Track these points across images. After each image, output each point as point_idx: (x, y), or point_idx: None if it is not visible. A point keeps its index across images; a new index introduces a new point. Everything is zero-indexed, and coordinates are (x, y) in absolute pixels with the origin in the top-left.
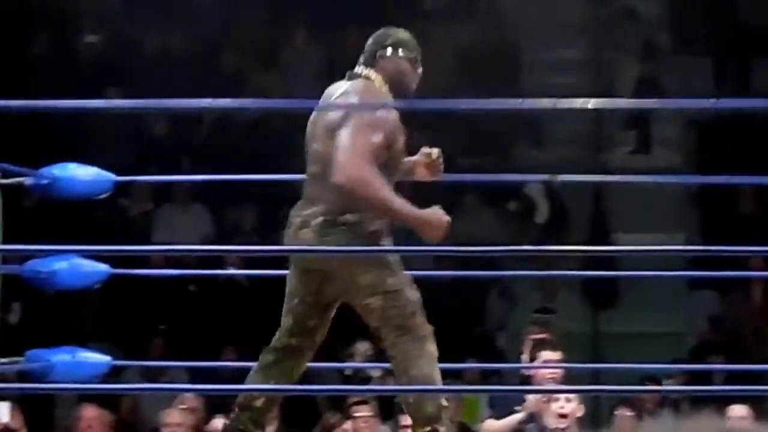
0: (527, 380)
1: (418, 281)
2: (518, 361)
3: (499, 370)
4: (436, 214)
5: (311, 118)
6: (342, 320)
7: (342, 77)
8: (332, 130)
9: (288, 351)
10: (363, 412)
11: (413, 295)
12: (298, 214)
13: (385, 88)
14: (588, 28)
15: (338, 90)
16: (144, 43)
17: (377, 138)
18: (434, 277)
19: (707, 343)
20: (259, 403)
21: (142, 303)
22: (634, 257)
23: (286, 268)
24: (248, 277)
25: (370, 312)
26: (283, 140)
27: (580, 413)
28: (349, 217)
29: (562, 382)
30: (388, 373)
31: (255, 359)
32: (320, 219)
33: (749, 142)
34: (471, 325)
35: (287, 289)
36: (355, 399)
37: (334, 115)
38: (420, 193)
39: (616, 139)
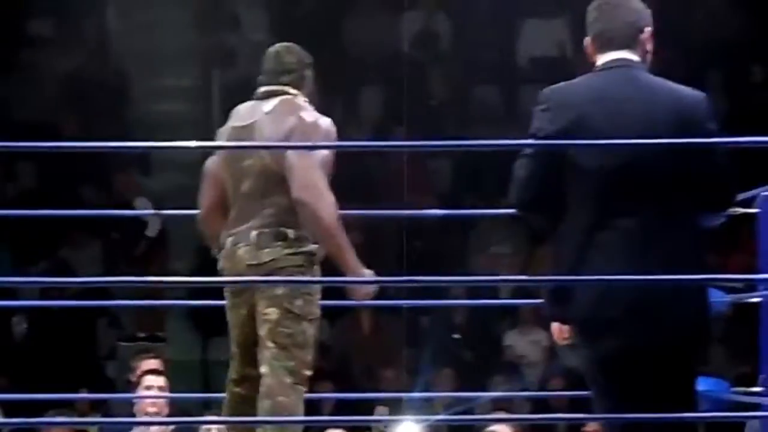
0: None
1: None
2: (127, 390)
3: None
4: (367, 272)
5: (226, 136)
6: None
7: None
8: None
9: (249, 380)
10: None
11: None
12: (228, 233)
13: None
14: (198, 56)
15: (262, 108)
16: None
17: (329, 156)
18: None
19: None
20: None
21: None
22: None
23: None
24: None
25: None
26: None
27: None
28: (288, 231)
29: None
30: None
31: None
32: (255, 233)
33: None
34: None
35: (228, 320)
36: None
37: (273, 132)
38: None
39: None
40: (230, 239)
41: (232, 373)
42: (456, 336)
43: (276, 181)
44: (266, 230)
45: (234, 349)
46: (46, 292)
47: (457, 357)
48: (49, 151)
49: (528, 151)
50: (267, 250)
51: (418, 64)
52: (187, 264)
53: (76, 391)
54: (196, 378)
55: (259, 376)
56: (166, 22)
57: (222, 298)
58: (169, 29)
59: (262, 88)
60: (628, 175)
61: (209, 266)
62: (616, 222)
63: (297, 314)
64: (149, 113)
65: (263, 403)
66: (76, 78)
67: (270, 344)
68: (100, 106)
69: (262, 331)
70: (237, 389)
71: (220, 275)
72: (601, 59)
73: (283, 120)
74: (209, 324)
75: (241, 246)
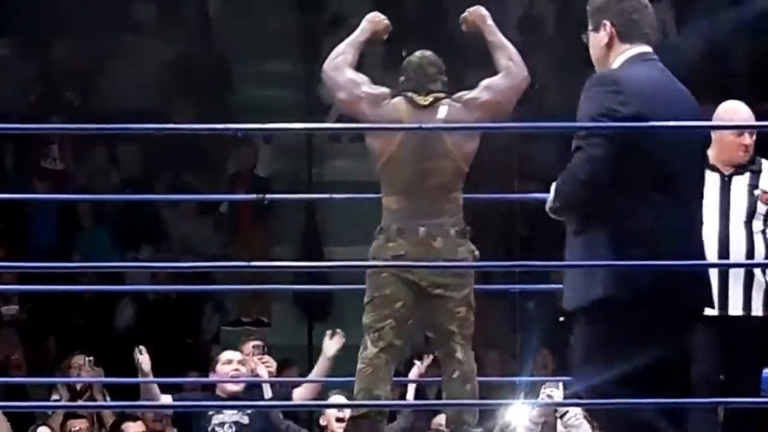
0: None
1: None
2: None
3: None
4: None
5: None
6: None
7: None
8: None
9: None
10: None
11: None
12: (417, 223)
13: None
14: (298, 41)
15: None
16: None
17: None
18: (154, 291)
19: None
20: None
21: None
22: (347, 271)
23: None
24: None
25: (458, 320)
26: None
27: None
28: (467, 229)
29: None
30: None
31: None
32: (453, 229)
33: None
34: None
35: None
36: None
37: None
38: None
39: (329, 151)
40: (423, 229)
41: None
42: (561, 319)
43: (459, 178)
44: (457, 227)
45: (395, 325)
46: (154, 276)
47: (561, 340)
48: (152, 133)
49: (601, 132)
50: (461, 247)
51: (523, 48)
52: (290, 248)
53: (184, 375)
54: (300, 363)
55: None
56: (267, 6)
57: (327, 284)
58: (270, 13)
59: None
60: (690, 161)
61: (313, 250)
62: (684, 202)
63: (473, 307)
64: (251, 98)
65: (464, 388)
66: (178, 63)
67: (459, 338)
68: (202, 92)
69: (453, 325)
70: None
71: (396, 258)
72: (631, 50)
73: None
74: (313, 309)
75: (439, 239)
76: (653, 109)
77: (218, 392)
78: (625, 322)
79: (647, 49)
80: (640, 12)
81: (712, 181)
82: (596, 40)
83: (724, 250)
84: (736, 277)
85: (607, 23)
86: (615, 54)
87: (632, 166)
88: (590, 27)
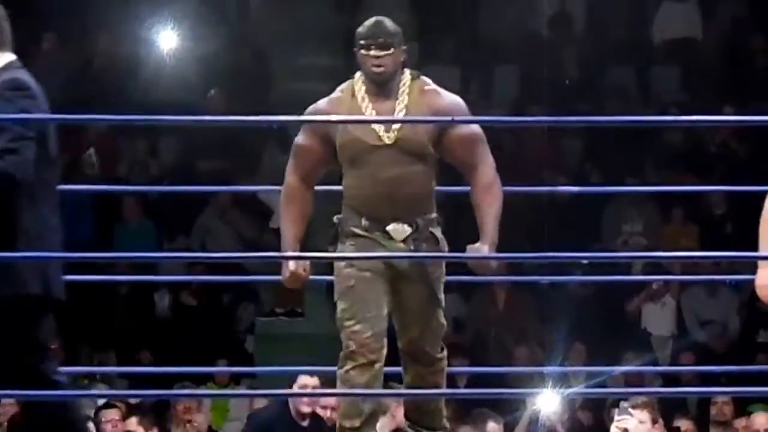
0: None
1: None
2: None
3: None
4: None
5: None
6: None
7: None
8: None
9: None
10: None
11: None
12: None
13: None
14: (336, 35)
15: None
16: None
17: None
18: (192, 282)
19: (450, 346)
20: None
21: None
22: None
23: None
24: None
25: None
26: None
27: None
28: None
29: None
30: None
31: None
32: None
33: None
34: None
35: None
36: None
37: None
38: None
39: None
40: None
41: None
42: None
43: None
44: None
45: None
46: (191, 267)
47: (588, 332)
48: (192, 125)
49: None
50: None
51: (554, 44)
52: (324, 239)
53: (216, 364)
54: (335, 353)
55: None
56: (305, 1)
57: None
58: (308, 8)
59: None
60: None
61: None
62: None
63: None
64: (290, 92)
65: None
66: (218, 57)
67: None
68: (240, 87)
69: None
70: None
71: None
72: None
73: None
74: None
75: None
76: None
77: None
78: None
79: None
80: (6, 21)
81: None
82: None
83: None
84: None
85: None
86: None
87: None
88: None
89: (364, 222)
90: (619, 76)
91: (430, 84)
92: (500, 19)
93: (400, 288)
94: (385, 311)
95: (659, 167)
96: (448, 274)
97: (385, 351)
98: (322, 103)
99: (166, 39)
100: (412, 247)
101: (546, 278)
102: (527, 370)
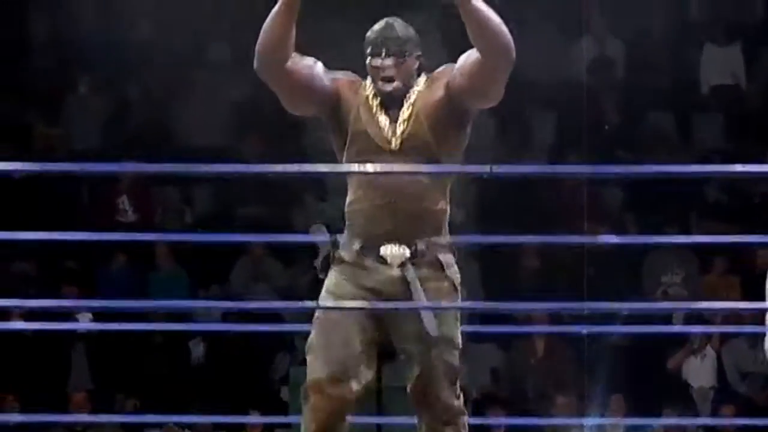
0: None
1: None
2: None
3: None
4: None
5: None
6: None
7: None
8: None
9: None
10: None
11: None
12: None
13: None
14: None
15: None
16: None
17: None
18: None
19: (488, 396)
20: None
21: None
22: None
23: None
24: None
25: None
26: None
27: None
28: None
29: None
30: None
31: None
32: None
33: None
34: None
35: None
36: None
37: None
38: None
39: None
40: None
41: None
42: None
43: None
44: None
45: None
46: (225, 316)
47: (628, 383)
48: (226, 174)
49: None
50: None
51: (593, 90)
52: None
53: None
54: (369, 403)
55: None
56: (341, 48)
57: None
58: (341, 51)
59: None
60: None
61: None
62: None
63: None
64: (324, 139)
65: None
66: (252, 102)
67: None
68: (276, 131)
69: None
70: None
71: None
72: None
73: None
74: (383, 349)
75: None
76: None
77: None
78: None
79: None
80: None
81: None
82: None
83: None
84: None
85: None
86: None
87: None
88: None
89: (356, 245)
90: (660, 122)
91: (439, 70)
92: (538, 64)
93: (394, 320)
94: (360, 348)
95: (701, 217)
96: (484, 323)
97: (349, 389)
98: (350, 75)
99: (201, 83)
100: (407, 274)
101: (585, 328)
102: (566, 421)
